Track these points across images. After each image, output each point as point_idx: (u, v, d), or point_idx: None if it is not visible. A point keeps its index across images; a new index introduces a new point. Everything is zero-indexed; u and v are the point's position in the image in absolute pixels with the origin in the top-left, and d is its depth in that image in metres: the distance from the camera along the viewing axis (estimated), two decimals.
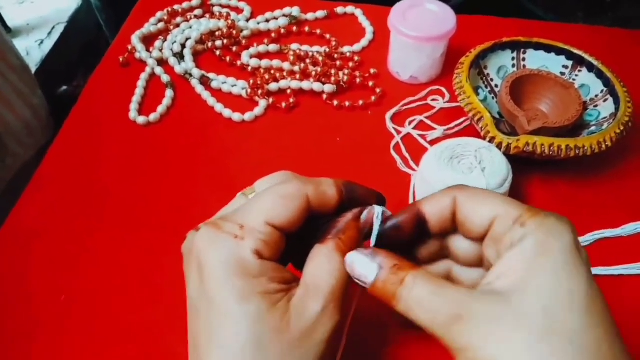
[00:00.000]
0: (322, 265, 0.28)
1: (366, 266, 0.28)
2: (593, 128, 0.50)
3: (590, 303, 0.24)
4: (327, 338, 0.27)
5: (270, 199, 0.29)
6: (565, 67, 0.54)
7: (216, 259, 0.27)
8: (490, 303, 0.24)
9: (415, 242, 0.31)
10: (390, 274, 0.27)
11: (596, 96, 0.52)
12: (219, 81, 0.58)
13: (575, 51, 0.53)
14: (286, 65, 0.59)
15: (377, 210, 0.30)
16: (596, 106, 0.52)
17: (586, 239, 0.46)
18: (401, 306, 0.26)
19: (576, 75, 0.54)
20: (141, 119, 0.54)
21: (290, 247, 0.29)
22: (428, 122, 0.54)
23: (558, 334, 0.23)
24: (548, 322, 0.23)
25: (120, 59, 0.60)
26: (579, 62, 0.54)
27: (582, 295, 0.24)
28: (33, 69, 0.80)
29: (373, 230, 0.30)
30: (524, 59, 0.55)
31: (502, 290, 0.25)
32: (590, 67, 0.53)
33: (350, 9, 0.67)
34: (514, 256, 0.25)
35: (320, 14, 0.66)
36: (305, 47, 0.62)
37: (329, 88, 0.56)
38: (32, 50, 1.02)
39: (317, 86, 0.57)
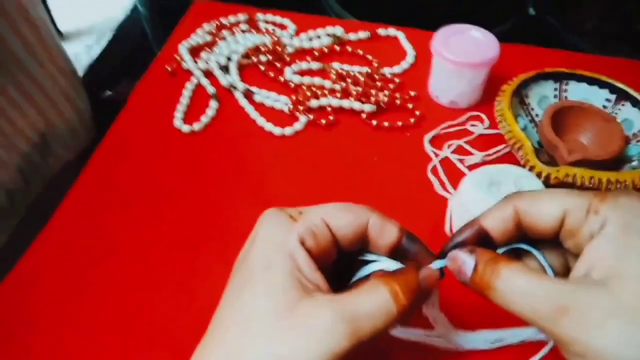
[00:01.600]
0: (365, 292, 0.28)
1: (465, 260, 0.29)
2: (635, 163, 0.50)
3: None
4: (317, 352, 0.26)
5: (335, 207, 0.30)
6: (608, 100, 0.54)
7: (265, 231, 0.29)
8: (593, 294, 0.25)
9: None
10: (487, 267, 0.28)
11: (639, 131, 0.52)
12: (262, 95, 0.59)
13: (619, 85, 0.53)
14: (327, 84, 0.60)
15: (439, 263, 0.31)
16: (639, 141, 0.51)
17: None
18: (498, 298, 0.27)
19: (619, 109, 0.54)
20: (186, 128, 0.56)
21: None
22: (466, 146, 0.55)
23: None
24: None
25: (168, 68, 0.63)
26: (622, 96, 0.53)
27: None
28: (80, 73, 0.83)
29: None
30: (565, 90, 0.55)
31: (600, 279, 0.25)
32: (634, 102, 0.52)
33: (392, 31, 0.68)
34: (601, 244, 0.26)
35: (363, 34, 0.67)
36: (346, 67, 0.63)
37: (368, 108, 0.57)
38: (80, 55, 1.06)
39: (357, 105, 0.57)
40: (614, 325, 0.24)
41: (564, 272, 0.31)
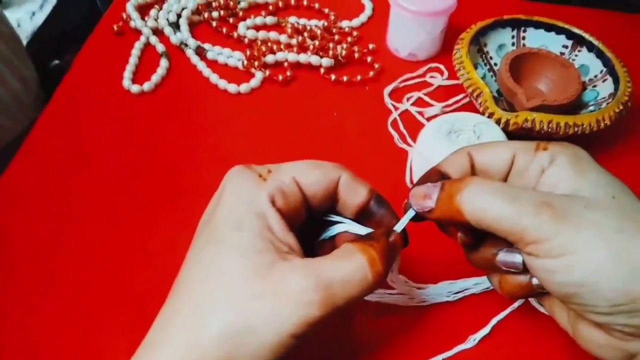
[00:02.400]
0: (340, 258, 0.27)
1: (426, 190, 0.29)
2: (592, 108, 0.50)
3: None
4: (288, 318, 0.25)
5: (306, 164, 0.29)
6: (565, 46, 0.54)
7: (233, 189, 0.28)
8: (568, 199, 0.26)
9: None
10: (450, 187, 0.28)
11: (595, 76, 0.52)
12: (215, 52, 0.57)
13: (576, 31, 0.53)
14: (283, 38, 0.58)
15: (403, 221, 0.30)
16: (595, 86, 0.51)
17: None
18: (469, 213, 0.27)
19: (576, 55, 0.53)
20: (135, 88, 0.53)
21: None
22: (426, 98, 0.54)
23: (631, 218, 0.25)
24: (620, 210, 0.26)
25: (115, 27, 0.59)
26: (579, 41, 0.53)
27: (625, 186, 0.27)
28: (24, 42, 0.78)
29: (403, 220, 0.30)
30: (524, 38, 0.55)
31: (566, 193, 0.27)
32: (590, 47, 0.52)
33: None
34: (556, 171, 0.28)
35: None
36: (303, 21, 0.61)
37: (326, 62, 0.56)
38: (24, 22, 1.00)
39: (314, 60, 0.56)
40: (592, 215, 0.25)
41: None
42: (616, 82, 0.49)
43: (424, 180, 0.30)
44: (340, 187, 0.29)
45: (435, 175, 0.30)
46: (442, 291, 0.40)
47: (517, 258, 0.28)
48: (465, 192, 0.27)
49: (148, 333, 0.27)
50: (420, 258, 0.41)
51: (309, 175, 0.29)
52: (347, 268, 0.26)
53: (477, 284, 0.40)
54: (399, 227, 0.29)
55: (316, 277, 0.25)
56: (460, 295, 0.40)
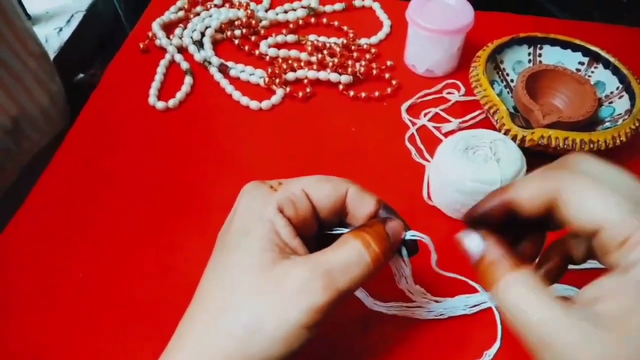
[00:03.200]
0: (337, 247, 0.28)
1: (473, 242, 0.27)
2: (608, 124, 0.50)
3: None
4: (296, 309, 0.26)
5: (315, 178, 0.31)
6: (582, 63, 0.55)
7: (246, 202, 0.30)
8: (584, 331, 0.22)
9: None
10: (491, 264, 0.26)
11: (612, 93, 0.52)
12: (237, 69, 0.59)
13: (592, 48, 0.54)
14: (304, 56, 0.60)
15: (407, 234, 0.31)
16: (611, 103, 0.52)
17: None
18: (496, 299, 0.25)
19: (592, 72, 0.54)
20: (160, 105, 0.55)
21: None
22: (443, 114, 0.55)
23: None
24: None
25: (141, 45, 0.61)
26: (595, 58, 0.54)
27: None
28: (51, 56, 0.81)
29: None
30: (540, 55, 0.56)
31: (605, 316, 0.22)
32: (607, 64, 0.53)
33: (368, 1, 0.67)
34: (617, 283, 0.23)
35: (339, 6, 0.67)
36: (322, 39, 0.62)
37: (345, 79, 0.57)
38: (51, 38, 1.03)
39: (333, 77, 0.57)
40: None
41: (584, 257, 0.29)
42: (632, 98, 0.50)
43: (488, 201, 0.28)
44: (349, 200, 0.31)
45: (499, 207, 0.28)
46: (459, 304, 0.41)
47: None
48: (498, 290, 0.25)
49: (169, 343, 0.29)
50: (435, 273, 0.42)
51: (318, 188, 0.31)
52: (344, 253, 0.28)
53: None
54: (407, 235, 0.31)
55: (317, 266, 0.27)
56: (476, 308, 0.41)
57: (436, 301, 0.41)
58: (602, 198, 0.24)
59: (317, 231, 0.32)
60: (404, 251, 0.32)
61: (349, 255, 0.28)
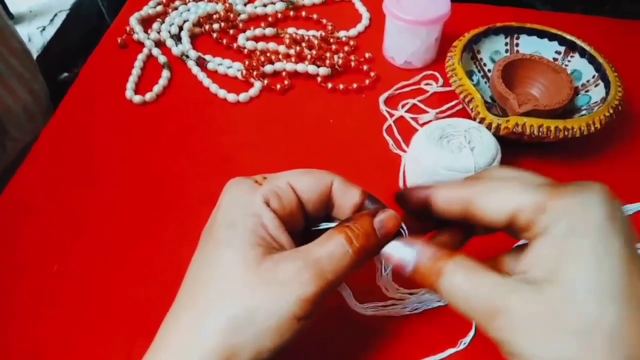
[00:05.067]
0: (323, 241, 0.28)
1: (404, 252, 0.28)
2: (584, 112, 0.50)
3: (628, 288, 0.22)
4: (287, 300, 0.26)
5: (299, 171, 0.31)
6: (558, 52, 0.55)
7: (230, 196, 0.30)
8: (525, 296, 0.24)
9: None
10: (429, 262, 0.27)
11: (588, 81, 0.52)
12: (215, 63, 0.58)
13: (568, 37, 0.54)
14: (282, 48, 0.59)
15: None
16: (587, 91, 0.52)
17: None
18: (441, 293, 0.27)
19: (568, 61, 0.54)
20: (137, 98, 0.55)
21: None
22: (421, 105, 0.55)
23: (595, 329, 0.22)
24: (584, 317, 0.22)
25: (119, 40, 0.61)
26: (571, 47, 0.54)
27: (618, 282, 0.22)
28: (34, 55, 0.80)
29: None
30: (517, 45, 0.56)
31: (536, 280, 0.24)
32: (582, 53, 0.53)
33: None
34: (544, 244, 0.25)
35: None
36: (301, 31, 0.62)
37: (323, 71, 0.57)
38: (34, 36, 1.03)
39: (311, 69, 0.57)
40: (544, 331, 0.23)
41: None
42: (607, 86, 0.50)
43: (412, 193, 0.31)
44: (334, 192, 0.31)
45: (423, 196, 0.30)
46: (434, 296, 0.41)
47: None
48: (444, 281, 0.27)
49: (152, 343, 0.28)
50: None
51: (303, 181, 0.30)
52: (329, 246, 0.28)
53: None
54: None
55: (305, 258, 0.27)
56: None
57: (410, 294, 0.40)
58: (509, 190, 0.27)
59: (303, 227, 0.32)
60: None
61: (334, 248, 0.28)
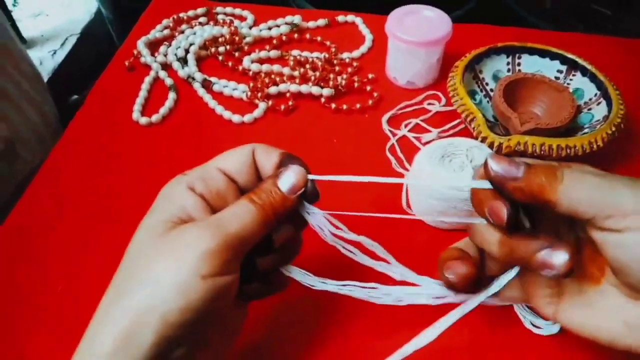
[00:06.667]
0: (228, 207, 0.30)
1: (509, 167, 0.28)
2: (587, 130, 0.50)
3: None
4: (188, 258, 0.27)
5: (224, 153, 0.33)
6: (560, 71, 0.55)
7: (161, 191, 0.32)
8: None
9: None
10: (543, 169, 0.27)
11: (590, 100, 0.53)
12: (221, 85, 0.59)
13: (569, 56, 0.54)
14: (286, 70, 0.60)
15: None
16: (590, 109, 0.52)
17: None
18: (558, 194, 0.27)
19: (570, 80, 0.55)
20: (143, 120, 0.56)
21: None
22: (424, 124, 0.55)
23: None
24: None
25: (126, 63, 0.62)
26: (572, 66, 0.54)
27: None
28: (45, 78, 0.82)
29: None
30: (519, 64, 0.56)
31: None
32: (584, 72, 0.53)
33: (350, 17, 0.68)
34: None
35: (321, 22, 0.68)
36: (305, 53, 0.63)
37: (327, 92, 0.58)
38: (45, 60, 1.05)
39: (315, 90, 0.58)
40: None
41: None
42: (609, 104, 0.50)
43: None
44: (258, 158, 0.32)
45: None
46: (424, 292, 0.39)
47: (560, 258, 0.27)
48: (566, 183, 0.27)
49: None
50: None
51: (227, 159, 0.32)
52: (232, 207, 0.30)
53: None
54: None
55: (207, 221, 0.29)
56: (441, 301, 0.39)
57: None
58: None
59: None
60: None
61: (237, 208, 0.29)
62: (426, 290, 0.37)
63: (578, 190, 0.26)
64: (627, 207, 0.26)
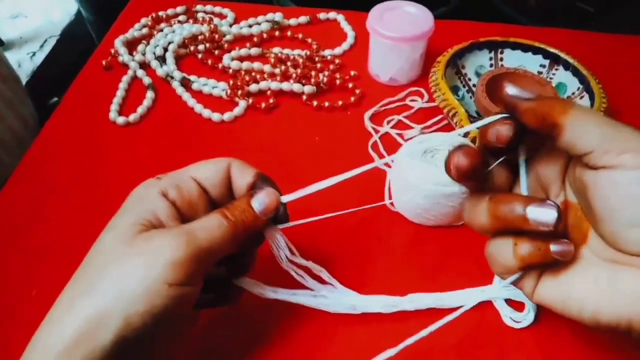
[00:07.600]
0: (200, 219, 0.30)
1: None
2: None
3: None
4: (156, 265, 0.27)
5: (200, 163, 0.33)
6: (543, 66, 0.55)
7: (132, 193, 0.32)
8: None
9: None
10: (552, 100, 0.28)
11: (573, 94, 0.52)
12: (200, 83, 0.58)
13: (552, 50, 0.54)
14: (267, 68, 0.59)
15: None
16: None
17: None
18: (566, 126, 0.27)
19: (553, 74, 0.54)
20: (121, 120, 0.54)
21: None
22: (406, 121, 0.55)
23: None
24: None
25: (104, 63, 0.61)
26: (555, 60, 0.54)
27: None
28: (24, 81, 0.80)
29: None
30: (501, 59, 0.56)
31: None
32: (567, 66, 0.53)
33: (332, 14, 0.68)
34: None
35: (303, 19, 0.67)
36: (286, 51, 0.62)
37: (308, 89, 0.57)
38: (24, 62, 1.03)
39: (297, 87, 0.57)
40: None
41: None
42: (592, 98, 0.50)
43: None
44: (232, 174, 0.33)
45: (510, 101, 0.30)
46: (376, 302, 0.40)
47: (550, 215, 0.27)
48: (576, 110, 0.27)
49: None
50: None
51: (202, 170, 0.32)
52: (204, 220, 0.30)
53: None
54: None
55: (178, 230, 0.29)
56: (394, 309, 0.40)
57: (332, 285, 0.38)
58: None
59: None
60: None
61: (209, 222, 0.30)
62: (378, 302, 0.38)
63: (585, 120, 0.27)
64: (627, 145, 0.26)
